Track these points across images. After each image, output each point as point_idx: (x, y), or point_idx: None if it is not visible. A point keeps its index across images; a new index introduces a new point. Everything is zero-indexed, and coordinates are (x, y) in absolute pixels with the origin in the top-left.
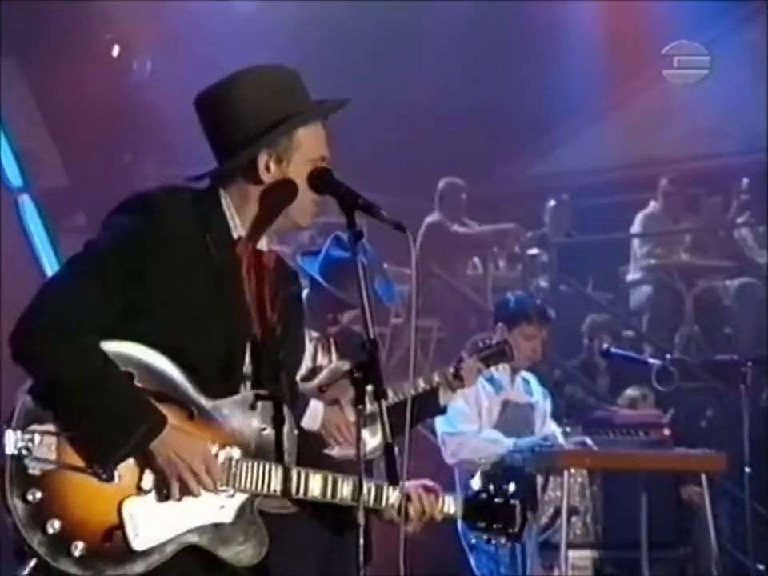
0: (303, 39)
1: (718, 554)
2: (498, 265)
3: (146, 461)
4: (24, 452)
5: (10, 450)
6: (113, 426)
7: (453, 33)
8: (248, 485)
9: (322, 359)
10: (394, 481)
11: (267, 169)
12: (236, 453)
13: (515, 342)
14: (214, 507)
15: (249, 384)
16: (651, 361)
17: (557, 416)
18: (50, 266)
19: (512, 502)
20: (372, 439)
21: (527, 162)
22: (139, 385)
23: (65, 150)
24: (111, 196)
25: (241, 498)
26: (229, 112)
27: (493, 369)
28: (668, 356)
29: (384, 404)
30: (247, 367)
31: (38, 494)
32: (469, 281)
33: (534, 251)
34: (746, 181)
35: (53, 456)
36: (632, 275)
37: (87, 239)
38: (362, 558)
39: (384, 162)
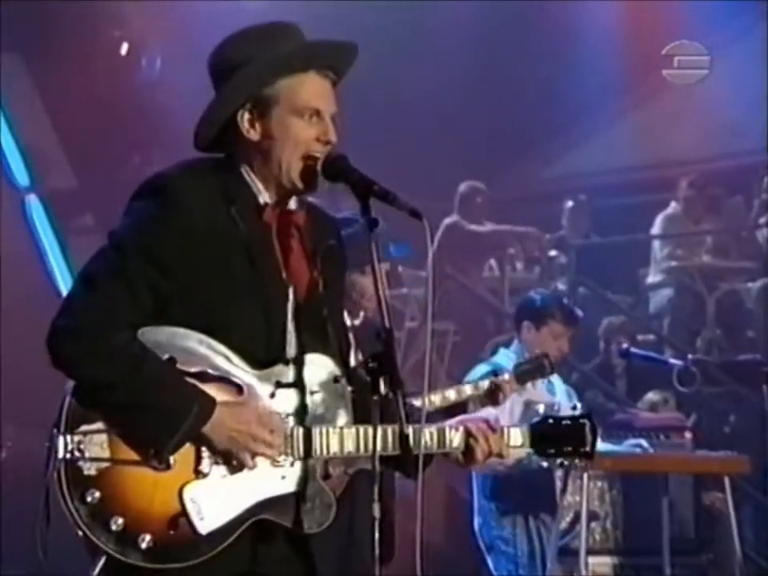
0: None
1: (742, 561)
2: (515, 267)
3: (202, 444)
4: (77, 454)
5: (62, 454)
6: (162, 416)
7: (469, 32)
8: (306, 451)
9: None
10: (411, 472)
11: (252, 125)
12: (290, 420)
13: (542, 341)
14: (276, 479)
15: (294, 348)
16: (672, 361)
17: None
18: (57, 266)
19: (581, 420)
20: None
21: (544, 164)
22: (182, 369)
23: (72, 150)
24: (120, 197)
25: (301, 465)
26: (211, 67)
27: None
28: (689, 356)
29: (400, 395)
30: (291, 332)
31: (97, 494)
32: (485, 283)
33: (552, 253)
34: (767, 180)
35: (106, 454)
36: (652, 278)
37: (110, 230)
38: (377, 552)
39: (399, 163)
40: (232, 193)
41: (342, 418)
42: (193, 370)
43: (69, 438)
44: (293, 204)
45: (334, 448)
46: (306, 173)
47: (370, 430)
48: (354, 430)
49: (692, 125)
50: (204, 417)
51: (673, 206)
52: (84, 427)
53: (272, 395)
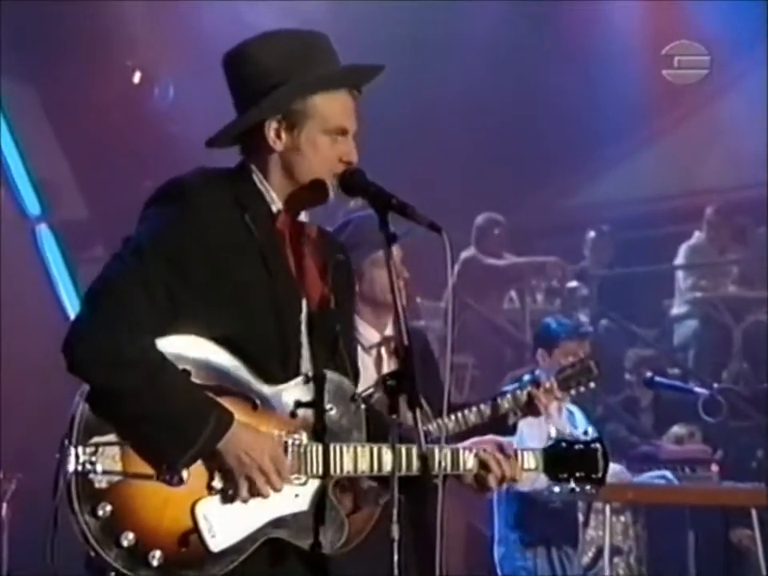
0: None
1: None
2: (535, 298)
3: (213, 459)
4: (88, 466)
5: (74, 466)
6: (178, 428)
7: (491, 61)
8: (320, 469)
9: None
10: (429, 491)
11: (278, 136)
12: (304, 438)
13: (556, 363)
14: (289, 497)
15: (308, 362)
16: (698, 390)
17: None
18: (67, 294)
19: (593, 446)
20: None
21: (566, 193)
22: (197, 381)
23: (83, 179)
24: (131, 227)
25: (314, 484)
26: (241, 71)
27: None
28: (715, 385)
29: (419, 413)
30: (305, 345)
31: (108, 508)
32: (505, 315)
33: (573, 284)
34: None
35: (118, 467)
36: (677, 309)
37: (126, 235)
38: (396, 573)
39: (415, 191)
40: (245, 200)
41: (356, 437)
42: (208, 383)
43: (80, 449)
44: (304, 216)
45: (348, 467)
46: (329, 188)
47: (384, 450)
48: (368, 449)
49: (717, 154)
50: (221, 431)
51: (697, 236)
52: (96, 439)
53: (293, 414)
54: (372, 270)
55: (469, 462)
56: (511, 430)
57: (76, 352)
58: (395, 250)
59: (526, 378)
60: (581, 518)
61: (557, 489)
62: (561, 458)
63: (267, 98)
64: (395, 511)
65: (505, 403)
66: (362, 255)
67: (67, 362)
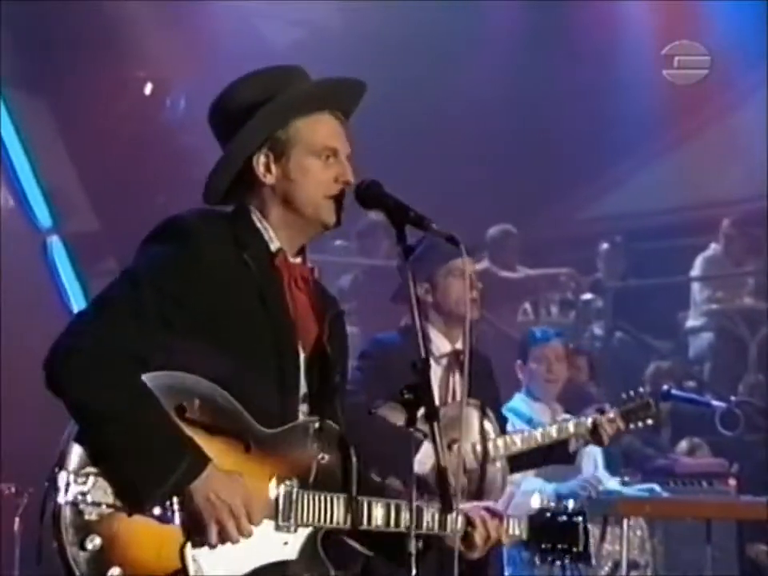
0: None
1: None
2: (549, 311)
3: (185, 500)
4: (79, 497)
5: (63, 497)
6: (151, 464)
7: (504, 72)
8: (310, 518)
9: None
10: (447, 507)
11: (268, 169)
12: (295, 485)
13: (531, 373)
14: (278, 544)
15: (306, 408)
16: (715, 403)
17: (611, 465)
18: (79, 307)
19: (575, 519)
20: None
21: (580, 205)
22: (194, 417)
23: (94, 192)
24: (142, 238)
25: (304, 532)
26: (220, 114)
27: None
28: (732, 398)
29: (437, 426)
30: (302, 389)
31: (97, 540)
32: (520, 327)
33: (588, 296)
34: None
35: (109, 499)
36: (692, 321)
37: (123, 268)
38: None
39: (428, 203)
40: (244, 239)
41: (347, 489)
42: (204, 420)
43: (72, 478)
44: (300, 259)
45: (339, 518)
46: (333, 209)
47: (375, 504)
48: (362, 501)
49: (732, 165)
50: (193, 473)
51: (713, 248)
52: (89, 469)
53: (278, 458)
54: (446, 279)
55: (458, 522)
56: (570, 458)
57: (56, 366)
58: (468, 264)
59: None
60: (596, 532)
61: (537, 561)
62: (545, 527)
63: (243, 128)
64: (413, 526)
65: (570, 427)
66: (435, 265)
67: (46, 376)
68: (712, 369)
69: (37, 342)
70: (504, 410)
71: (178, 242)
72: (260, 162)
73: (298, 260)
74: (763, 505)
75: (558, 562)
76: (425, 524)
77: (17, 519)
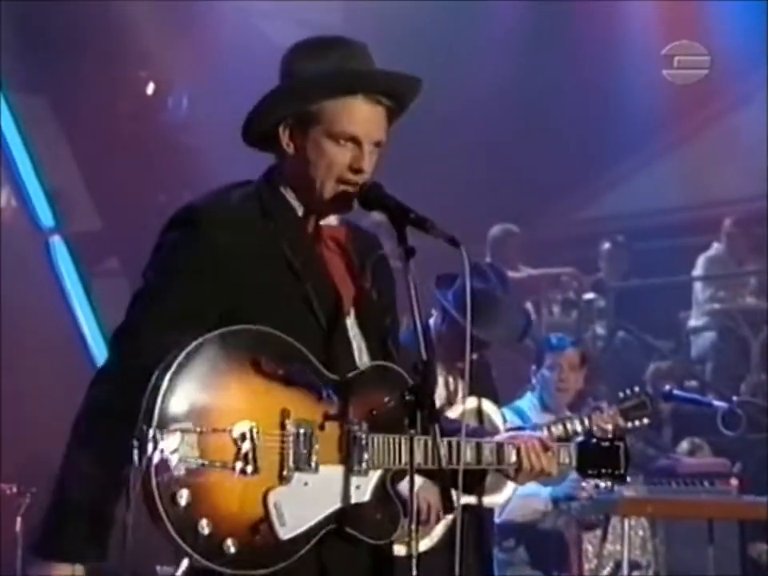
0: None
1: None
2: (551, 310)
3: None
4: (168, 453)
5: (152, 452)
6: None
7: (506, 71)
8: (379, 460)
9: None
10: (447, 509)
11: (292, 139)
12: (364, 428)
13: (545, 379)
14: (351, 488)
15: (363, 357)
16: (717, 403)
17: None
18: (81, 307)
19: (616, 443)
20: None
21: (582, 204)
22: (268, 369)
23: (97, 191)
24: (145, 239)
25: (374, 474)
26: (283, 61)
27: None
28: (734, 398)
29: (437, 429)
30: (356, 343)
31: (187, 494)
32: None
33: (590, 296)
34: None
35: (195, 453)
36: (694, 321)
37: (144, 269)
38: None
39: (428, 203)
40: (271, 208)
41: (410, 430)
42: (281, 369)
43: (159, 435)
44: (333, 220)
45: (406, 458)
46: (339, 197)
47: (439, 443)
48: (423, 441)
49: (734, 164)
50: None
51: (715, 247)
52: (175, 425)
53: (347, 404)
54: None
55: (512, 456)
56: None
57: (92, 393)
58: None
59: (509, 413)
60: (598, 533)
61: (584, 484)
62: (591, 454)
63: (274, 100)
64: (413, 534)
65: (577, 425)
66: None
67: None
68: (714, 368)
69: (37, 342)
70: (509, 409)
71: (194, 232)
72: (285, 132)
73: (331, 221)
74: (765, 505)
75: (602, 484)
76: (484, 459)
77: (18, 519)
